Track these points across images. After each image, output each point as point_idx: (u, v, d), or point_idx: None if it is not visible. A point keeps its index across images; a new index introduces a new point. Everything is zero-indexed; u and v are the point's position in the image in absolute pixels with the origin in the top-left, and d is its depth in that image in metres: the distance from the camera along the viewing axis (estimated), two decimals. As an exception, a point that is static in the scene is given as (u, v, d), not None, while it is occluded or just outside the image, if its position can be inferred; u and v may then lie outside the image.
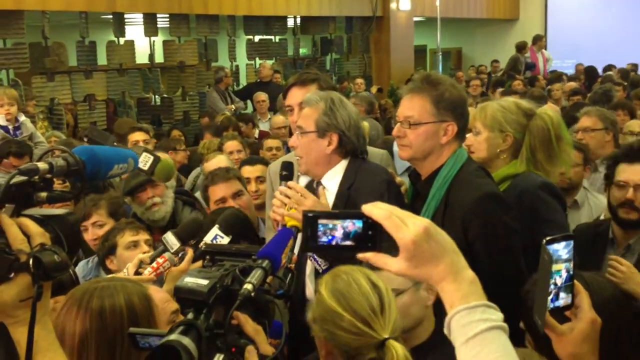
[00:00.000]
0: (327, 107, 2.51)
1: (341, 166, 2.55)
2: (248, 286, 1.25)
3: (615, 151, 3.12)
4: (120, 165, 1.30)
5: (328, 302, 1.77)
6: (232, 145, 5.08)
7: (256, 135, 7.31)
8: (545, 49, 13.80)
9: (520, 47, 13.05)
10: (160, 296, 1.84)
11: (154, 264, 2.19)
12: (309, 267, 2.53)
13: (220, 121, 7.02)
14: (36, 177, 1.16)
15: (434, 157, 2.41)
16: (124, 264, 2.48)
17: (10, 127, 5.74)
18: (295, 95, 2.84)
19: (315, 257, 2.42)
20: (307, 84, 2.83)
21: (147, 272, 2.18)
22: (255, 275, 1.28)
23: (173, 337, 1.16)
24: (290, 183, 2.41)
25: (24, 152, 4.91)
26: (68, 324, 1.58)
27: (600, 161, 4.09)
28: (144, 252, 2.59)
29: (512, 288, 2.03)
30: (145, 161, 1.91)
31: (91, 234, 3.25)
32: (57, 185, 1.27)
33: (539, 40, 13.23)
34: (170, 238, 2.19)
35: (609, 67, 11.79)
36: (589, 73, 11.99)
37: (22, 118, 5.96)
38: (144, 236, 2.97)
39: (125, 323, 1.58)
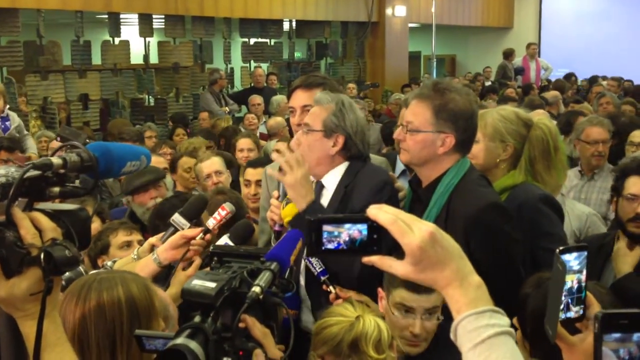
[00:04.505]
0: (337, 108, 2.49)
1: (342, 167, 2.53)
2: (256, 289, 1.23)
3: (624, 162, 3.05)
4: (133, 163, 1.29)
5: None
6: (244, 142, 5.05)
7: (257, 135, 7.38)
8: (539, 57, 13.87)
9: (507, 54, 13.25)
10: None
11: (217, 216, 2.15)
12: (302, 265, 2.49)
13: (222, 129, 7.02)
14: (49, 171, 1.16)
15: (432, 165, 2.37)
16: None
17: None
18: (299, 98, 2.81)
19: (310, 260, 2.40)
20: (313, 87, 2.78)
21: (210, 224, 2.14)
22: (264, 278, 1.26)
23: (180, 340, 1.14)
24: (298, 142, 2.45)
25: (14, 147, 5.13)
26: (67, 317, 1.57)
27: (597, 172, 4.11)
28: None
29: (512, 298, 2.02)
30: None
31: None
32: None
33: (528, 48, 13.34)
34: (178, 218, 2.18)
35: (594, 79, 11.74)
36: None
37: (7, 108, 6.12)
38: (137, 237, 2.96)
39: (125, 314, 1.58)
